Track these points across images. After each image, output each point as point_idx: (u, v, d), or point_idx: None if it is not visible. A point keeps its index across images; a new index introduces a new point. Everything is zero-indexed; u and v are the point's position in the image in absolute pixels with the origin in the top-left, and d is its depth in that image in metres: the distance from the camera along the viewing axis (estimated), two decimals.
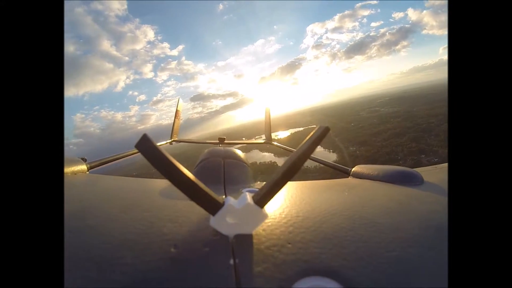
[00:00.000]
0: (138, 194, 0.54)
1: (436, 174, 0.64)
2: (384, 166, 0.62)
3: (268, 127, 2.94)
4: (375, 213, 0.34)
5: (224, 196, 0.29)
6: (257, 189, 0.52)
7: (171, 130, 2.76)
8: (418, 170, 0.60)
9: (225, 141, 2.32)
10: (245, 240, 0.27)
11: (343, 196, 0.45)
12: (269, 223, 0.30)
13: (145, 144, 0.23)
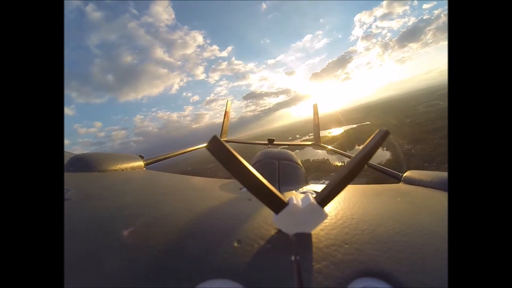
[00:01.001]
0: (197, 191, 0.56)
1: None
2: (437, 172, 0.62)
3: (317, 127, 2.89)
4: (429, 221, 0.35)
5: (292, 196, 0.30)
6: (311, 191, 0.53)
7: (221, 130, 2.83)
8: None
9: (274, 142, 2.34)
10: (305, 238, 0.28)
11: (396, 201, 0.45)
12: (327, 223, 0.31)
13: (215, 145, 0.24)
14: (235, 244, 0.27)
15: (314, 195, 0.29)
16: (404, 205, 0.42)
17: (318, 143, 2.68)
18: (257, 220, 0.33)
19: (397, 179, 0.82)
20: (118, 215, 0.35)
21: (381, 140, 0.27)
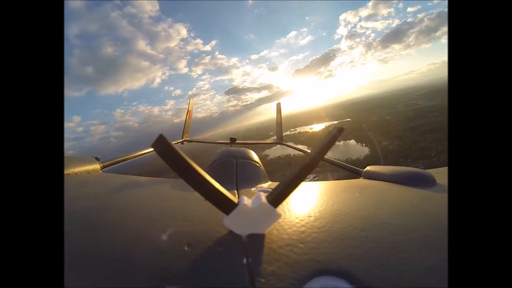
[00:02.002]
0: (151, 193, 0.55)
1: None
2: (396, 167, 0.62)
3: (279, 126, 2.88)
4: (387, 215, 0.34)
5: (237, 196, 0.29)
6: (269, 189, 0.51)
7: (183, 130, 2.80)
8: (431, 171, 0.60)
9: (237, 141, 2.35)
10: (258, 240, 0.27)
11: (355, 197, 0.45)
12: (282, 223, 0.31)
13: (161, 144, 0.23)
14: (186, 248, 0.26)
15: (267, 194, 0.28)
16: (362, 200, 0.42)
17: (281, 141, 2.70)
18: (210, 222, 0.32)
19: (357, 175, 0.82)
20: (66, 221, 0.33)
21: (335, 137, 0.27)
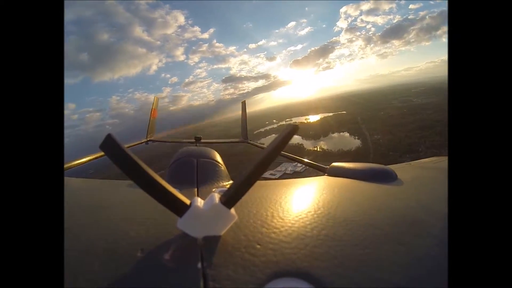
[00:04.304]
0: (104, 196, 0.53)
1: (410, 170, 0.66)
2: (359, 163, 0.62)
3: (244, 124, 2.85)
4: (349, 211, 0.34)
5: (195, 197, 0.29)
6: (224, 189, 0.49)
7: (147, 129, 2.71)
8: (392, 167, 0.61)
9: (202, 140, 2.30)
10: (213, 242, 0.26)
11: (317, 195, 0.44)
12: (239, 224, 0.30)
13: (110, 145, 0.22)
14: (138, 253, 0.25)
15: (221, 195, 0.27)
16: (324, 198, 0.41)
17: (246, 140, 2.68)
18: (166, 225, 0.30)
19: (322, 172, 0.80)
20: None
21: (290, 135, 0.26)
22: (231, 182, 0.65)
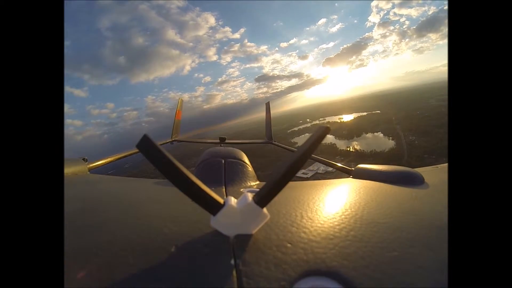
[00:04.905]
0: (138, 194, 0.55)
1: (437, 174, 0.65)
2: (385, 166, 0.63)
3: (269, 125, 2.85)
4: (376, 214, 0.34)
5: (225, 196, 0.29)
6: (257, 190, 0.51)
7: (172, 130, 2.79)
8: (419, 170, 0.60)
9: (226, 141, 2.34)
10: (245, 240, 0.27)
11: (344, 196, 0.45)
12: (269, 223, 0.30)
13: (146, 144, 0.23)
14: (173, 249, 0.26)
15: (253, 195, 0.28)
16: (351, 200, 0.41)
17: (270, 141, 2.67)
18: (198, 222, 0.31)
19: (347, 174, 0.81)
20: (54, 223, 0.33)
21: (322, 136, 0.26)
22: (258, 182, 0.66)
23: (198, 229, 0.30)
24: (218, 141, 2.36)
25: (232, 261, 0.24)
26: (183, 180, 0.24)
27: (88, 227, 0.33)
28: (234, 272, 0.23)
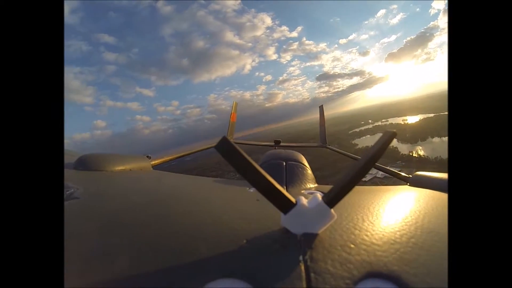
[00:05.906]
0: (201, 191, 0.58)
1: None
2: (443, 174, 0.62)
3: (323, 129, 2.83)
4: (435, 223, 0.34)
5: (300, 196, 0.30)
6: (317, 191, 0.52)
7: (227, 132, 2.85)
8: None
9: (281, 144, 2.38)
10: (312, 239, 0.28)
11: (403, 203, 0.46)
12: (334, 224, 0.31)
13: (224, 146, 0.24)
14: (244, 243, 0.28)
15: (323, 195, 0.29)
16: (410, 207, 0.42)
17: (324, 145, 2.66)
18: (265, 220, 0.33)
19: (404, 181, 0.83)
20: (126, 214, 0.36)
21: (388, 141, 0.27)
22: (316, 185, 0.69)
23: (266, 227, 0.31)
24: (273, 143, 2.43)
25: (301, 258, 0.25)
26: (260, 180, 0.25)
27: (160, 218, 0.34)
28: (303, 268, 0.24)
